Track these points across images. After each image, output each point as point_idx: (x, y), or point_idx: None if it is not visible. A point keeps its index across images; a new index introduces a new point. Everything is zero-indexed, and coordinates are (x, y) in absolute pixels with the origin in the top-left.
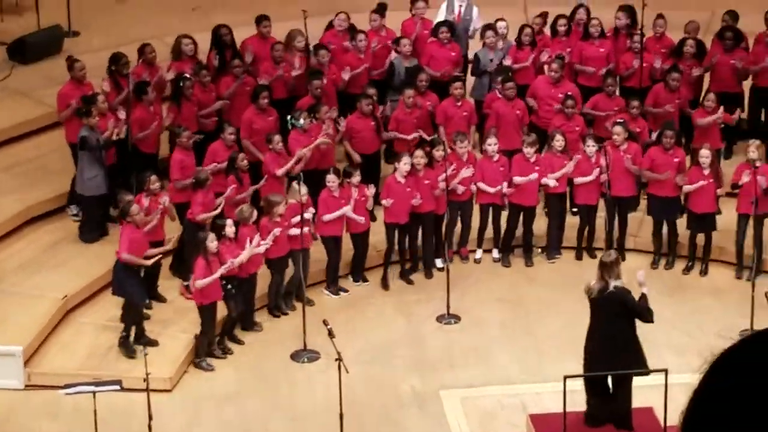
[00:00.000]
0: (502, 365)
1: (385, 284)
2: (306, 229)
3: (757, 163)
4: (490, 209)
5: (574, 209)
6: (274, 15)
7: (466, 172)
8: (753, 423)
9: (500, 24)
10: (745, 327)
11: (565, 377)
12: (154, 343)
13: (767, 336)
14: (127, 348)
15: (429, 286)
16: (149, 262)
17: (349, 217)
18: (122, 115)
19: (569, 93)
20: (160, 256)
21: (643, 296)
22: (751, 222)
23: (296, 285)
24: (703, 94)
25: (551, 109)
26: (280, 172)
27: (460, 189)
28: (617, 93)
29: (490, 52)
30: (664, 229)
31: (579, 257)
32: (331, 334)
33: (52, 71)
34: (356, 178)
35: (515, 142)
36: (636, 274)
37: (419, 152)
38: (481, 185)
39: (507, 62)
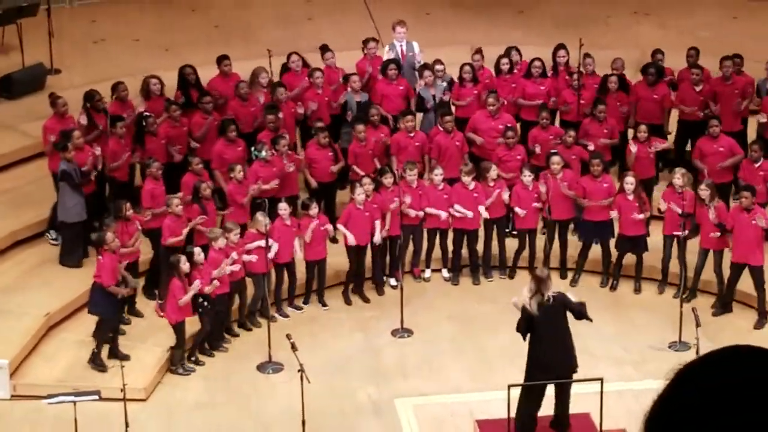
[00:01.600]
0: (452, 375)
1: (347, 300)
2: (254, 257)
3: (679, 190)
4: (437, 233)
5: (514, 232)
6: (241, 54)
7: (407, 199)
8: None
9: (437, 66)
10: (674, 339)
11: (510, 386)
12: (126, 357)
13: (732, 352)
14: (97, 363)
15: (384, 303)
16: (118, 292)
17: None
18: (97, 151)
19: (509, 125)
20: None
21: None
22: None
23: (260, 304)
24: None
25: (492, 141)
26: (244, 201)
27: (412, 213)
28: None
29: (430, 89)
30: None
31: (512, 277)
32: (294, 347)
33: (36, 106)
34: (314, 210)
35: (456, 171)
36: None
37: (366, 180)
38: (430, 210)
39: (446, 98)
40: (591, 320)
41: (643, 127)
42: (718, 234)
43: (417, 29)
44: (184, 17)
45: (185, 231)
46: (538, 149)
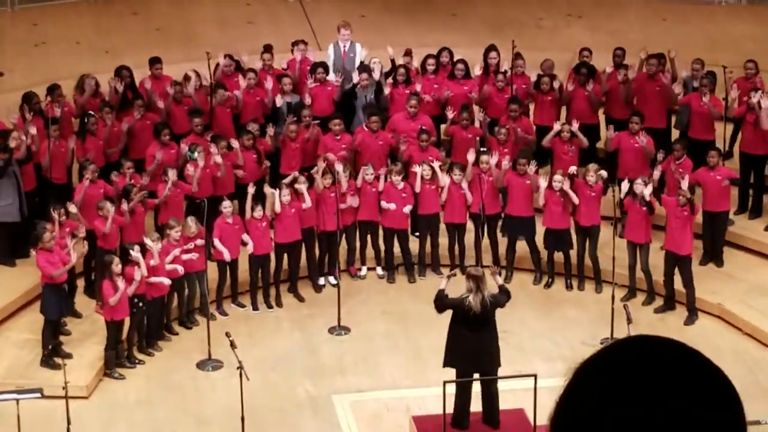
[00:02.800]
0: (388, 372)
1: (278, 302)
2: (195, 255)
3: (592, 183)
4: (368, 231)
5: (416, 233)
6: (181, 57)
7: (353, 201)
8: (614, 426)
9: (374, 62)
10: (606, 335)
11: (445, 382)
12: (68, 355)
13: (626, 343)
14: (49, 364)
15: (321, 301)
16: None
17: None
18: (31, 131)
19: (423, 127)
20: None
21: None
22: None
23: (200, 302)
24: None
25: (411, 142)
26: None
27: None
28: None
29: (364, 91)
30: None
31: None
32: (233, 345)
33: None
34: (258, 211)
35: (379, 170)
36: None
37: (302, 179)
38: (384, 204)
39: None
40: (508, 300)
41: (566, 127)
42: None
43: (353, 32)
44: (125, 20)
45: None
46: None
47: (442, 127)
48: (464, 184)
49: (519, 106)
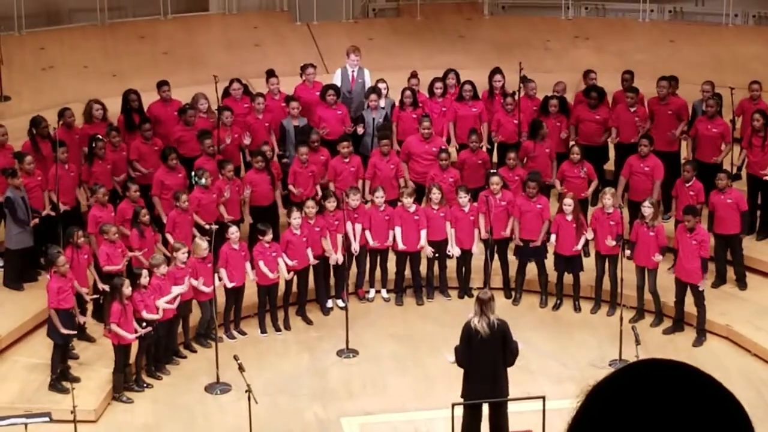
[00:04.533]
0: (397, 394)
1: (287, 325)
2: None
3: (609, 210)
4: (378, 254)
5: (449, 254)
6: (188, 80)
7: (357, 228)
8: None
9: (381, 85)
10: (614, 357)
11: (453, 404)
12: (77, 379)
13: (639, 366)
14: (57, 388)
15: (329, 323)
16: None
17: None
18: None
19: (442, 147)
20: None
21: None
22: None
23: (208, 325)
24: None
25: (427, 164)
26: (170, 239)
27: (355, 246)
28: (487, 148)
29: (373, 112)
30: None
31: (462, 296)
32: (241, 368)
33: None
34: (268, 236)
35: (392, 194)
36: None
37: (310, 202)
38: (368, 235)
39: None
40: (512, 365)
41: (575, 149)
42: (660, 257)
43: (361, 56)
44: (133, 44)
45: (124, 261)
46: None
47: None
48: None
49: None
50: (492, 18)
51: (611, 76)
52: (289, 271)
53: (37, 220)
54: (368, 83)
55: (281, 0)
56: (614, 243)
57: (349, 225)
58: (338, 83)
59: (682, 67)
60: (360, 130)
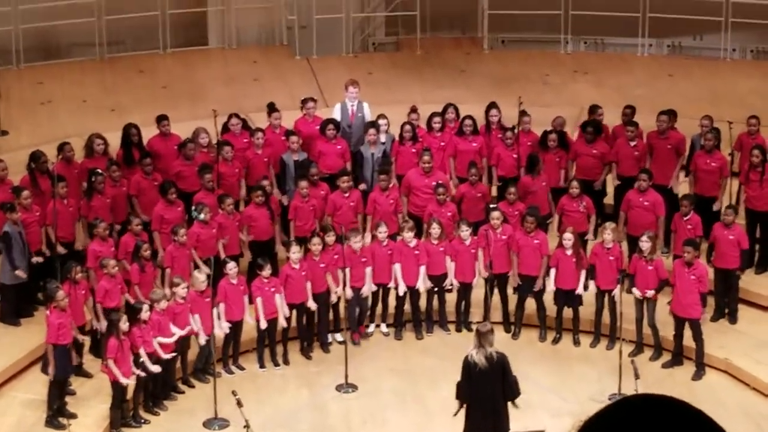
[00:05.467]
0: (396, 429)
1: (286, 359)
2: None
3: (609, 245)
4: (380, 289)
5: (449, 287)
6: (188, 114)
7: (368, 271)
8: None
9: (381, 121)
10: (614, 391)
11: None
12: (73, 415)
13: (632, 401)
14: (54, 425)
15: (328, 358)
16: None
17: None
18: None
19: (440, 182)
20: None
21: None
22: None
23: (206, 361)
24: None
25: (426, 198)
26: (168, 273)
27: (365, 289)
28: (490, 182)
29: (372, 147)
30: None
31: (459, 330)
32: (239, 403)
33: None
34: (267, 270)
35: (392, 228)
36: None
37: (316, 239)
38: (368, 271)
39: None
40: (514, 399)
41: (575, 183)
42: (653, 292)
43: (360, 89)
44: (132, 78)
45: (123, 299)
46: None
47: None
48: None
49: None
50: (491, 52)
51: (610, 110)
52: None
53: (41, 259)
54: (368, 117)
55: (281, 34)
56: (653, 293)
57: (348, 270)
58: (338, 117)
59: (680, 101)
60: (362, 187)
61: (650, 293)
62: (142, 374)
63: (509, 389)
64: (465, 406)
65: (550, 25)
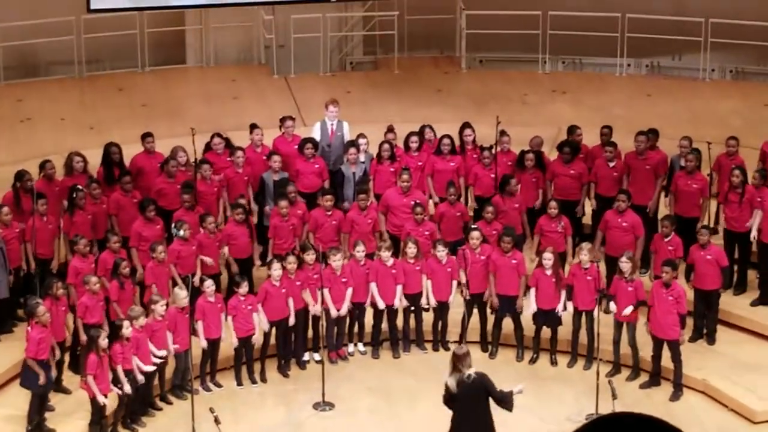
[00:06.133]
0: None
1: (263, 377)
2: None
3: (586, 265)
4: (356, 309)
5: (426, 306)
6: (166, 132)
7: (349, 293)
8: None
9: (361, 140)
10: (591, 411)
11: None
12: (52, 431)
13: (609, 420)
14: None
15: (305, 376)
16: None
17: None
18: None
19: (417, 201)
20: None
21: (510, 392)
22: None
23: (183, 377)
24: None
25: (405, 217)
26: (154, 290)
27: (343, 309)
28: (467, 202)
29: (352, 167)
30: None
31: (436, 349)
32: (217, 420)
33: None
34: (244, 288)
35: (369, 247)
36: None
37: (291, 258)
38: (349, 291)
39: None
40: (511, 410)
41: (553, 203)
42: (631, 309)
43: (340, 108)
44: (111, 96)
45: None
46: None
47: (430, 203)
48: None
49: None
50: (469, 72)
51: (589, 129)
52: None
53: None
54: (347, 136)
55: (259, 53)
56: (632, 309)
57: (326, 291)
58: (317, 136)
59: (659, 121)
60: (346, 205)
61: (628, 310)
62: (119, 392)
63: (502, 404)
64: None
65: (528, 44)
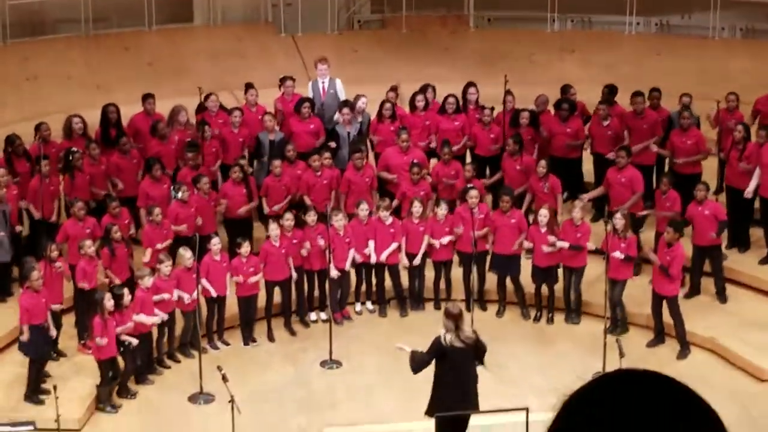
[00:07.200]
0: (380, 405)
1: (270, 336)
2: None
3: (578, 222)
4: (362, 268)
5: (407, 266)
6: (173, 91)
7: (351, 252)
8: None
9: (361, 100)
10: (598, 369)
11: (437, 416)
12: (47, 391)
13: (615, 376)
14: (33, 400)
15: (312, 335)
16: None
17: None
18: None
19: (415, 160)
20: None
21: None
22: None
23: (192, 335)
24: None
25: (403, 176)
26: (159, 246)
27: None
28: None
29: (347, 126)
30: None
31: (438, 307)
32: (225, 378)
33: None
34: (245, 248)
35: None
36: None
37: (288, 215)
38: (353, 252)
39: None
40: (483, 364)
41: (542, 163)
42: (620, 254)
43: (345, 67)
44: (117, 55)
45: (98, 278)
46: (389, 176)
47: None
48: (457, 230)
49: (518, 143)
50: (477, 31)
51: (597, 88)
52: (269, 284)
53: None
54: (340, 93)
55: (266, 11)
56: (619, 255)
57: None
58: (311, 96)
59: (668, 80)
60: (333, 144)
61: (617, 254)
62: (134, 342)
63: (481, 354)
64: (433, 384)
65: (536, 3)
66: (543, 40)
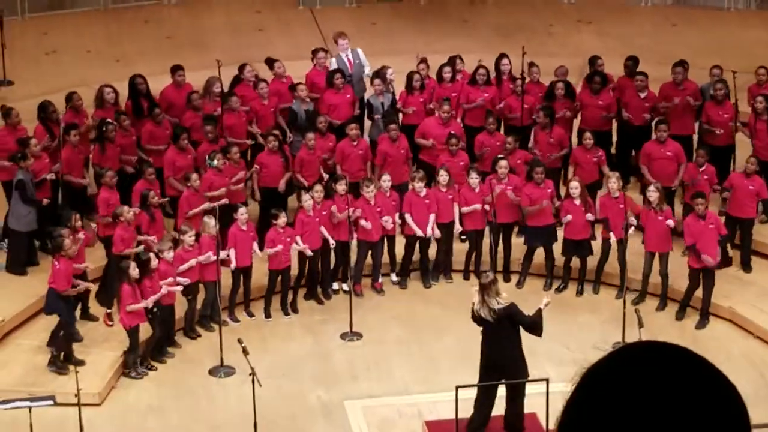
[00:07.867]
0: (400, 377)
1: (294, 307)
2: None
3: (616, 194)
4: (386, 239)
5: (463, 236)
6: (193, 64)
7: (358, 212)
8: (620, 430)
9: (388, 71)
10: (618, 339)
11: (457, 387)
12: (81, 362)
13: (633, 348)
14: (57, 366)
15: (333, 307)
16: (75, 291)
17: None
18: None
19: (452, 132)
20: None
21: (538, 310)
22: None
23: (212, 308)
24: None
25: (442, 147)
26: (191, 213)
27: (368, 225)
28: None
29: (380, 97)
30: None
31: (467, 278)
32: (245, 351)
33: None
34: (282, 219)
35: (402, 177)
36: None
37: (318, 187)
38: (385, 219)
39: (399, 105)
40: (540, 336)
41: (588, 134)
42: (633, 222)
43: (363, 39)
44: (136, 28)
45: (135, 244)
46: (425, 142)
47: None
48: (496, 189)
49: (549, 114)
50: (495, 2)
51: (614, 60)
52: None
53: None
54: (364, 61)
55: None
56: (633, 221)
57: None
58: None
59: (684, 52)
60: (376, 117)
61: (631, 220)
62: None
63: (530, 330)
64: (481, 347)
65: None
66: (561, 12)
